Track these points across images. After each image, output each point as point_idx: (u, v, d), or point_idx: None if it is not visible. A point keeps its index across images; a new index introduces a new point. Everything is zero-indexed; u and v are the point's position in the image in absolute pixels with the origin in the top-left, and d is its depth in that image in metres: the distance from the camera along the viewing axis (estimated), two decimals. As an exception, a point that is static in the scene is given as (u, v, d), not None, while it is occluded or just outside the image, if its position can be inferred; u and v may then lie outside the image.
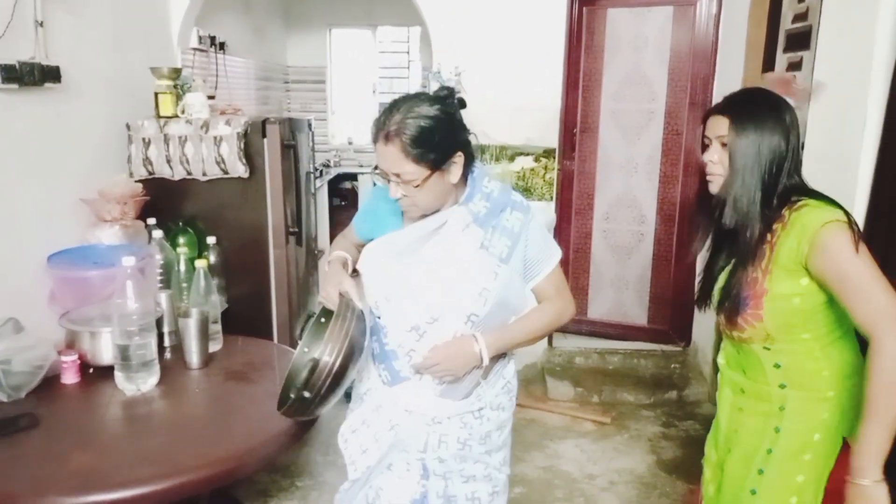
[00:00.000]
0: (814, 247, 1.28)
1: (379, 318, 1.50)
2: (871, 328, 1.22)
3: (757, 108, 1.40)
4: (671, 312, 3.76)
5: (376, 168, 1.40)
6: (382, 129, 1.35)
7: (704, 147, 1.46)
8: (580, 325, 3.90)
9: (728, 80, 3.25)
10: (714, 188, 1.46)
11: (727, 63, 3.29)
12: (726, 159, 1.40)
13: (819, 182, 2.06)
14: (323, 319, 1.52)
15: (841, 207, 1.34)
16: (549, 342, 3.76)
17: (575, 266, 3.88)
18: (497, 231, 1.46)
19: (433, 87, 3.42)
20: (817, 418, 1.39)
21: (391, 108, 1.38)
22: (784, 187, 1.37)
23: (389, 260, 1.46)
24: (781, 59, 2.67)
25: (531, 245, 1.49)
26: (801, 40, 2.46)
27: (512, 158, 3.45)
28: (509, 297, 1.47)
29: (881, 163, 1.90)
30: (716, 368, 1.70)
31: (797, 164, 1.40)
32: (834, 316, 1.37)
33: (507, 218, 1.47)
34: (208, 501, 2.03)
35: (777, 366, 1.41)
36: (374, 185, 1.47)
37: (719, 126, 1.41)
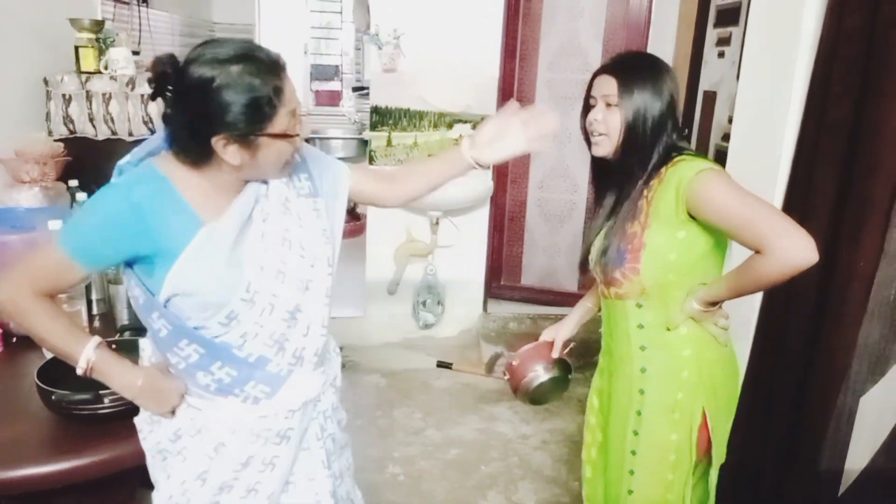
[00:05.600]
0: (693, 192, 1.30)
1: (216, 338, 1.23)
2: (764, 238, 1.23)
3: (642, 71, 1.42)
4: (601, 279, 3.88)
5: None
6: None
7: (588, 108, 1.47)
8: (514, 292, 3.99)
9: (660, 54, 3.32)
10: (598, 150, 1.47)
11: (659, 37, 3.37)
12: (610, 119, 1.42)
13: (746, 154, 2.16)
14: None
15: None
16: (485, 307, 3.82)
17: (509, 234, 3.94)
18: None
19: (369, 51, 3.35)
20: (677, 378, 1.44)
21: None
22: (665, 147, 1.40)
23: (234, 257, 1.21)
24: (712, 34, 2.76)
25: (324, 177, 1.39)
26: (731, 16, 2.55)
27: (450, 125, 3.44)
28: None
29: (802, 137, 2.00)
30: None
31: (676, 126, 1.43)
32: (703, 275, 1.41)
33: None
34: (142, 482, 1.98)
35: (640, 326, 1.45)
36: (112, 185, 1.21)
37: (606, 85, 1.42)
